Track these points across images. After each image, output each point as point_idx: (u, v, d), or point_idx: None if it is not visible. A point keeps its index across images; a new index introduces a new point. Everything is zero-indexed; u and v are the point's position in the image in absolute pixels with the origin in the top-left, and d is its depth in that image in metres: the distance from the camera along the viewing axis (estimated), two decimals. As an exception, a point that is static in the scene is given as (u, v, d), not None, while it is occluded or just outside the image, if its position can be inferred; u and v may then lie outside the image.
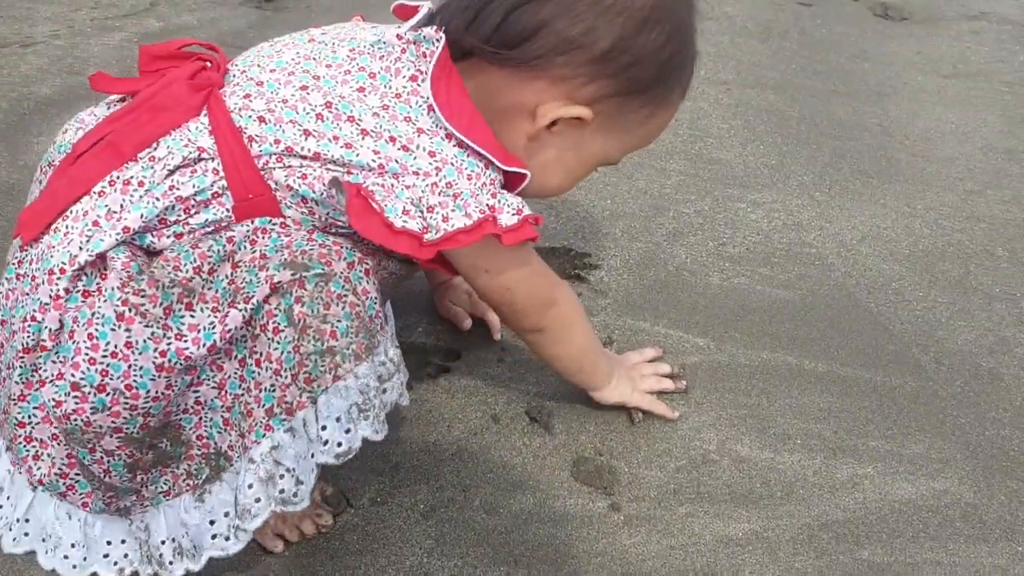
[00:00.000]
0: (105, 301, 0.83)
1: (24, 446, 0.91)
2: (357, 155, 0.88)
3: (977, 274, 1.56)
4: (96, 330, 0.83)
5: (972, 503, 1.15)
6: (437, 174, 0.90)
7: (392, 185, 0.88)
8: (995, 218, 1.71)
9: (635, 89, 0.97)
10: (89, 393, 0.83)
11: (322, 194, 0.89)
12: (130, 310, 0.82)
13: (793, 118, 2.00)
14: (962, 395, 1.31)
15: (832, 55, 2.30)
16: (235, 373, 0.87)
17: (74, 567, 0.96)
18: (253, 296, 0.84)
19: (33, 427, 0.89)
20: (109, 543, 0.96)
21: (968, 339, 1.41)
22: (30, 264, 0.88)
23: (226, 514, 0.91)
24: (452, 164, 0.90)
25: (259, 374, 0.85)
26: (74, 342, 0.83)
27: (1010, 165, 1.89)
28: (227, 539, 0.91)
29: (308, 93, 0.90)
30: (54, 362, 0.85)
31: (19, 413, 0.89)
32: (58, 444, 0.90)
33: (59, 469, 0.91)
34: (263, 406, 0.85)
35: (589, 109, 0.96)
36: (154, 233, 0.88)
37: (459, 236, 0.88)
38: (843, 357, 1.36)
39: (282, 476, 0.86)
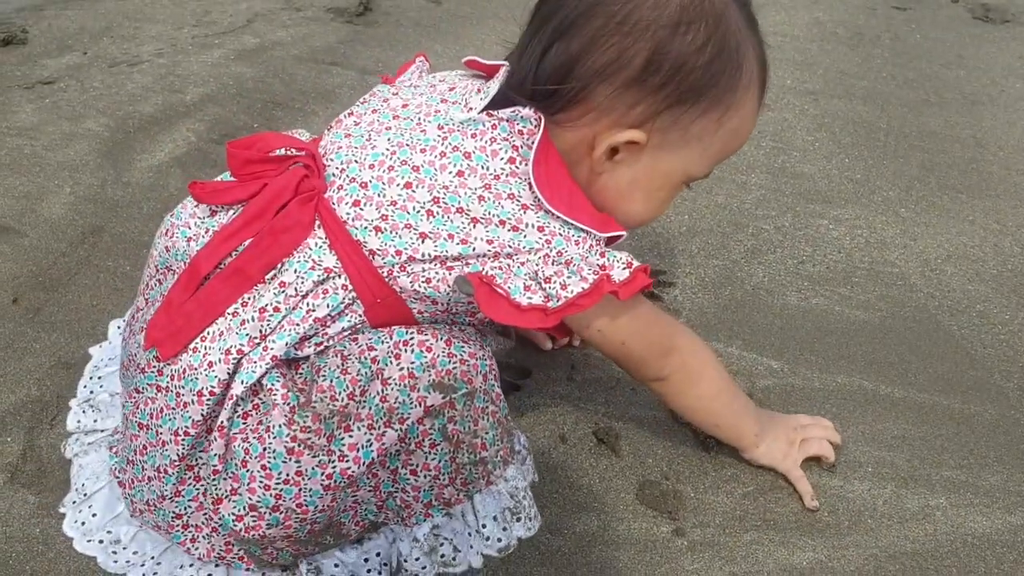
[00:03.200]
0: (275, 438, 0.90)
1: (181, 532, 1.00)
2: (473, 248, 0.91)
3: (1070, 296, 1.51)
4: (269, 462, 0.90)
5: (1051, 539, 1.12)
6: (548, 246, 0.91)
7: (508, 265, 0.91)
8: (1093, 236, 1.65)
9: (687, 98, 0.94)
10: (265, 513, 0.92)
11: (446, 293, 0.94)
12: (299, 445, 0.90)
13: (881, 130, 1.96)
14: (1046, 425, 1.27)
15: (925, 62, 2.24)
16: (388, 478, 0.94)
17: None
18: (408, 417, 0.90)
19: (189, 516, 0.99)
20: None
21: (1056, 365, 1.37)
22: (171, 380, 0.94)
23: (377, 554, 1.01)
24: (560, 235, 0.92)
25: (415, 480, 0.94)
26: (248, 470, 0.91)
27: (1113, 178, 1.81)
28: (379, 574, 1.02)
29: (414, 191, 0.92)
30: (226, 479, 0.93)
31: (175, 507, 0.98)
32: (216, 535, 0.98)
33: (218, 552, 1.00)
34: (421, 501, 0.96)
35: (640, 131, 0.94)
36: (296, 347, 0.94)
37: (580, 301, 0.90)
38: (921, 382, 1.33)
39: (442, 544, 0.99)
